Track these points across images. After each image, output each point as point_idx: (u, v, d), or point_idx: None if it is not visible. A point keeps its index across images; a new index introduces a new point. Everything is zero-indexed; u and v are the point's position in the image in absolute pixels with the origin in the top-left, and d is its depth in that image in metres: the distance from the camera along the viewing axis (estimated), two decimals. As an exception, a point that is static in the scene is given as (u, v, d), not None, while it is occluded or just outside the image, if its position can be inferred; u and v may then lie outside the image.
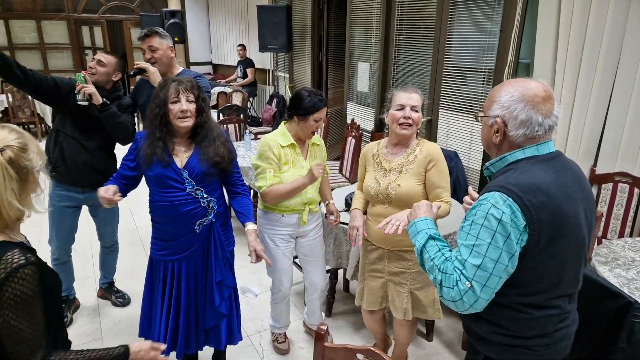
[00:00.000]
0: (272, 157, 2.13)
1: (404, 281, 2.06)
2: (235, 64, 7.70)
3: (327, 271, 2.93)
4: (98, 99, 2.33)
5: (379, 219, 2.00)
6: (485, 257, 1.13)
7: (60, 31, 7.92)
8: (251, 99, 7.41)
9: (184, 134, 1.90)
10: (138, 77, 2.58)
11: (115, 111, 2.41)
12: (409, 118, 1.92)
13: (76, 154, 2.48)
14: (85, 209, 2.73)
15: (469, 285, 1.14)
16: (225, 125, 4.60)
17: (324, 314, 2.86)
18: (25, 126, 7.46)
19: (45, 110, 6.88)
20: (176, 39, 7.31)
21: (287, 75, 6.40)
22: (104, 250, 2.93)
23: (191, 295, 2.06)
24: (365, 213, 2.17)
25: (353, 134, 4.03)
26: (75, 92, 2.32)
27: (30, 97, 6.68)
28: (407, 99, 1.93)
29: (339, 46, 5.48)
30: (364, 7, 4.40)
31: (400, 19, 3.95)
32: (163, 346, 1.31)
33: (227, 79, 7.63)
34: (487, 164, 1.33)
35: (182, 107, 1.81)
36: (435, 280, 1.22)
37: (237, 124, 4.70)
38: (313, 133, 2.20)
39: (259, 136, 5.39)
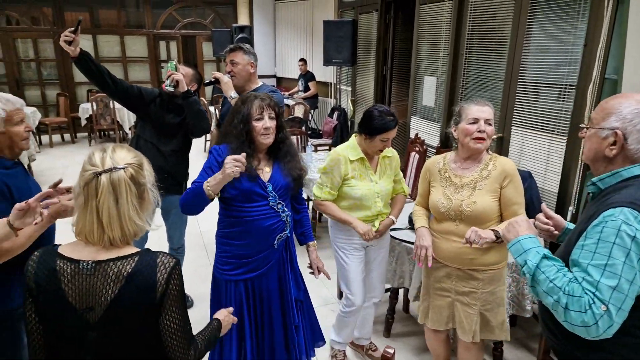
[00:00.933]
0: (336, 175, 2.18)
1: (474, 302, 1.95)
2: (297, 77, 7.86)
3: (387, 290, 2.86)
4: (183, 86, 2.50)
5: (448, 237, 1.96)
6: (621, 277, 1.07)
7: (140, 46, 8.52)
8: (312, 111, 7.50)
9: (264, 150, 1.92)
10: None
11: (196, 99, 2.56)
12: (484, 132, 1.85)
13: (153, 158, 2.58)
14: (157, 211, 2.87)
15: (605, 309, 1.07)
16: (288, 137, 4.66)
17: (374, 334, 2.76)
18: (106, 132, 8.06)
19: (124, 118, 7.38)
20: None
21: (349, 89, 6.42)
22: (171, 253, 3.04)
23: (266, 315, 2.00)
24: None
25: (417, 148, 3.94)
26: (165, 78, 2.51)
27: (111, 106, 7.20)
28: (481, 112, 1.86)
29: (404, 60, 5.43)
30: (433, 20, 4.32)
31: (471, 32, 3.84)
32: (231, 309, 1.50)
33: (290, 92, 7.80)
34: (593, 179, 1.26)
35: (266, 124, 1.84)
36: (558, 303, 1.14)
37: (299, 136, 4.76)
38: (381, 150, 2.18)
39: (319, 148, 5.42)
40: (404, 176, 4.05)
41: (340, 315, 2.42)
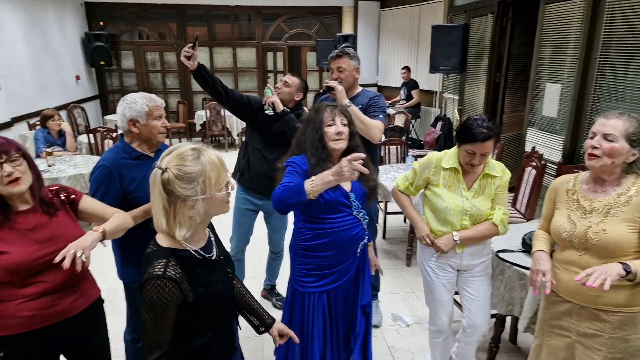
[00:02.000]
0: (420, 175, 2.13)
1: (599, 347, 1.65)
2: (399, 85, 7.68)
3: (493, 316, 2.59)
4: (279, 107, 2.57)
5: (569, 268, 1.69)
6: None
7: (249, 56, 9.03)
8: (413, 120, 7.27)
9: (337, 157, 1.85)
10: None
11: (292, 117, 2.61)
12: (596, 148, 1.59)
13: (259, 164, 2.73)
14: (260, 215, 2.95)
15: None
16: (386, 147, 4.55)
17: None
18: (217, 138, 8.68)
19: (233, 125, 7.87)
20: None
21: (456, 98, 6.08)
22: (271, 255, 3.17)
23: (340, 321, 2.02)
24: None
25: (534, 164, 3.54)
26: (263, 102, 2.61)
27: (222, 114, 7.72)
28: (601, 126, 1.61)
29: (521, 66, 4.99)
30: (560, 21, 3.88)
31: (607, 33, 3.36)
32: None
33: (391, 100, 7.64)
34: None
35: (338, 129, 1.84)
36: None
37: (399, 146, 4.61)
38: (470, 165, 1.98)
39: (419, 159, 5.19)
40: (516, 193, 3.70)
41: (429, 337, 2.39)
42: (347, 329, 2.03)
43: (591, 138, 1.64)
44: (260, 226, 3.01)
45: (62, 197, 1.66)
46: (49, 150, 4.32)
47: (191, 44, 2.39)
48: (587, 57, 3.53)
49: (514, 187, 3.92)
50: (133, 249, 1.90)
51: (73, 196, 1.69)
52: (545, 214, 1.88)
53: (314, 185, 1.66)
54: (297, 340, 1.60)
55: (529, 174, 3.58)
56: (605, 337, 1.64)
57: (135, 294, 1.99)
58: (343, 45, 3.06)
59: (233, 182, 1.31)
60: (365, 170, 1.64)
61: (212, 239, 1.41)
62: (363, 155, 1.62)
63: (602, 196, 1.65)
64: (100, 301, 1.79)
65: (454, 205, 2.02)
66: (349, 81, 2.66)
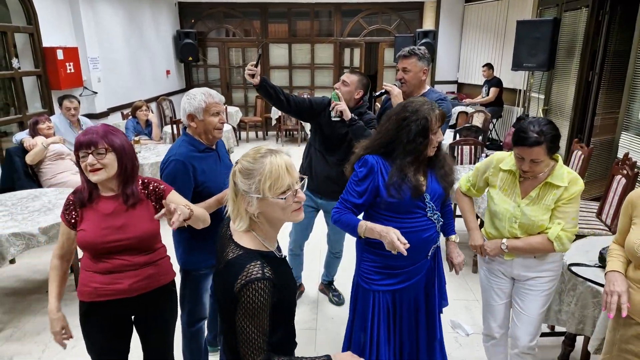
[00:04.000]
0: (481, 174, 2.06)
1: None
2: (481, 83, 7.31)
3: (561, 333, 2.43)
4: (347, 115, 2.52)
5: None
6: None
7: (327, 53, 9.12)
8: (494, 120, 6.89)
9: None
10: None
11: (361, 125, 2.56)
12: None
13: (320, 165, 2.77)
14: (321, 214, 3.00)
15: None
16: (459, 147, 4.35)
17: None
18: (290, 132, 8.90)
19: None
20: (426, 58, 7.42)
21: (541, 97, 5.66)
22: (330, 255, 3.19)
23: (412, 326, 1.97)
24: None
25: (625, 172, 3.19)
26: (330, 109, 2.57)
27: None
28: None
29: (618, 65, 4.53)
30: (665, 14, 3.46)
31: None
32: None
33: (474, 99, 7.30)
34: None
35: (440, 137, 1.80)
36: None
37: (473, 146, 4.38)
38: (524, 171, 1.85)
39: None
40: (603, 202, 3.35)
41: (483, 343, 2.32)
42: (411, 336, 1.98)
43: None
44: (322, 225, 3.05)
45: (150, 191, 1.77)
46: (136, 138, 4.76)
47: (254, 63, 2.44)
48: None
49: (600, 197, 3.57)
50: (201, 236, 2.02)
51: (162, 188, 1.80)
52: (620, 227, 1.72)
53: (365, 230, 1.77)
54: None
55: (619, 182, 3.24)
56: None
57: (195, 280, 2.16)
58: (423, 41, 2.93)
59: (301, 194, 1.26)
60: (403, 251, 1.60)
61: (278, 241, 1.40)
62: (407, 245, 1.62)
63: None
64: (168, 287, 1.87)
65: (503, 210, 1.93)
66: (414, 83, 2.57)
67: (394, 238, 1.61)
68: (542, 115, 5.51)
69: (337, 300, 3.18)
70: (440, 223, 1.90)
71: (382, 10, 8.81)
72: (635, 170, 3.16)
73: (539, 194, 1.87)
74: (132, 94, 6.69)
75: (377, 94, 2.59)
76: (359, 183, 1.80)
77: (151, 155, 4.63)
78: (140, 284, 1.74)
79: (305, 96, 2.92)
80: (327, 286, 3.28)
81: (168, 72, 8.24)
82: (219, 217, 2.03)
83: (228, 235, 1.31)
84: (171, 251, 2.15)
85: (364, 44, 8.72)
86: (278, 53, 9.16)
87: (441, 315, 2.06)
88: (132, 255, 1.71)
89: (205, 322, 2.31)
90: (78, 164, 1.67)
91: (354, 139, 2.60)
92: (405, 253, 1.59)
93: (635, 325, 1.59)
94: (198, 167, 1.99)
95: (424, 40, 7.63)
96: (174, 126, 5.88)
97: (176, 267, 2.20)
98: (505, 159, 1.98)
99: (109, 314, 1.75)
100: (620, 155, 3.63)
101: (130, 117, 5.35)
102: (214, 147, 2.11)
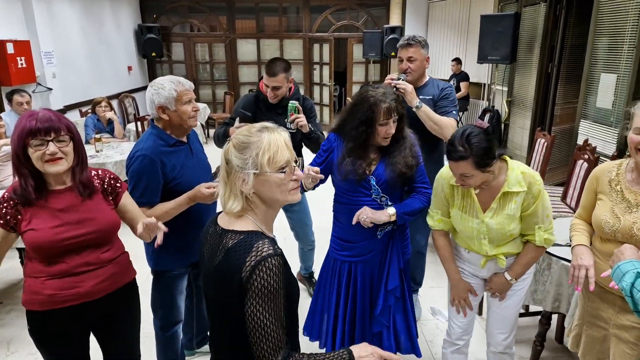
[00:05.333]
0: (440, 194, 1.88)
1: (635, 341, 1.56)
2: (447, 77, 7.50)
3: (538, 312, 2.53)
4: (306, 128, 2.48)
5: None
6: None
7: (296, 48, 9.10)
8: (461, 113, 7.08)
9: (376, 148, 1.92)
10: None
11: (318, 136, 2.54)
12: None
13: None
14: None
15: None
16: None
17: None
18: (260, 128, 8.81)
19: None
20: (393, 53, 7.55)
21: (505, 89, 5.87)
22: (302, 250, 3.10)
23: (365, 300, 2.06)
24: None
25: (586, 156, 3.37)
26: (289, 120, 2.46)
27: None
28: None
29: (574, 57, 4.77)
30: (616, 10, 3.66)
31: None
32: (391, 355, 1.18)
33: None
34: None
35: (390, 130, 1.83)
36: None
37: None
38: (461, 184, 1.74)
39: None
40: (567, 187, 3.53)
41: (443, 342, 2.15)
42: (367, 312, 2.06)
43: (638, 134, 1.51)
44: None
45: (106, 186, 1.65)
46: (97, 136, 4.50)
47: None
48: (648, 44, 3.31)
49: (563, 182, 3.75)
50: (172, 237, 1.85)
51: (119, 186, 1.68)
52: (584, 203, 1.77)
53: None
54: None
55: (581, 167, 3.41)
56: None
57: (168, 282, 2.03)
58: (390, 37, 2.87)
59: (299, 172, 1.19)
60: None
61: None
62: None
63: None
64: (131, 285, 1.74)
65: (469, 228, 1.80)
66: (419, 72, 2.49)
67: (360, 211, 1.88)
68: (505, 107, 5.72)
69: None
70: (390, 205, 1.93)
71: (350, 6, 8.88)
72: (596, 154, 3.34)
73: (499, 204, 1.75)
74: (91, 90, 6.44)
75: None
76: (320, 155, 2.03)
77: (114, 153, 4.46)
78: (104, 284, 1.59)
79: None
80: (308, 279, 3.20)
81: (130, 68, 7.99)
82: (192, 214, 1.95)
83: (218, 231, 1.19)
84: (141, 252, 2.03)
85: (333, 39, 8.75)
86: (246, 49, 9.05)
87: (393, 297, 2.05)
88: (92, 253, 1.56)
89: (181, 325, 2.20)
90: (21, 154, 1.45)
91: (309, 147, 2.59)
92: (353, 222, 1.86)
93: (604, 293, 1.66)
94: (168, 162, 1.86)
95: (391, 36, 7.73)
96: (139, 123, 5.71)
97: (147, 268, 2.09)
98: (449, 172, 1.81)
99: (69, 322, 1.57)
100: (580, 142, 3.82)
101: (90, 113, 5.10)
102: (185, 140, 1.98)
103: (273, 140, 1.13)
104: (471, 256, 1.92)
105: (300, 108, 2.50)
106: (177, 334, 2.18)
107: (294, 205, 2.78)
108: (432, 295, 3.18)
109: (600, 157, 3.47)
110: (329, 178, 2.06)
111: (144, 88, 8.54)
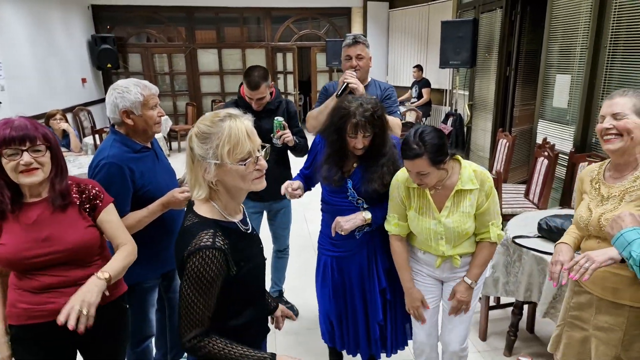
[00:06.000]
0: (396, 198, 1.89)
1: (614, 343, 1.56)
2: (409, 85, 7.64)
3: (511, 304, 2.58)
4: (292, 142, 2.54)
5: None
6: None
7: (259, 58, 9.05)
8: (424, 119, 7.22)
9: (354, 156, 1.98)
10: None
11: (303, 145, 2.61)
12: (609, 129, 1.51)
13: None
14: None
15: None
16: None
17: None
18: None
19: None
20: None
21: (466, 93, 6.03)
22: (276, 255, 3.02)
23: (349, 295, 2.11)
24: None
25: (546, 154, 3.47)
26: (276, 136, 2.48)
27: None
28: (608, 107, 1.54)
29: (531, 60, 4.97)
30: (569, 13, 3.83)
31: (617, 20, 3.30)
32: None
33: (401, 98, 7.61)
34: None
35: (358, 145, 1.85)
36: None
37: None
38: (419, 184, 1.76)
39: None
40: (529, 184, 3.62)
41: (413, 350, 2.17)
42: (365, 313, 2.11)
43: (601, 122, 1.56)
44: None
45: (84, 200, 1.55)
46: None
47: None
48: (597, 46, 3.46)
49: (525, 180, 3.85)
50: (141, 247, 1.80)
51: (98, 202, 1.57)
52: (575, 206, 1.79)
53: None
54: (294, 318, 1.73)
55: (542, 164, 3.52)
56: (621, 333, 1.55)
57: (139, 295, 1.95)
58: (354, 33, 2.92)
59: (263, 162, 1.21)
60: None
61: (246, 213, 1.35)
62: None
63: (620, 182, 1.58)
64: (116, 304, 1.65)
65: (425, 230, 1.83)
66: (365, 70, 2.51)
67: (334, 224, 1.96)
68: (467, 110, 5.86)
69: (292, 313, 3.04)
70: (367, 209, 1.97)
71: (312, 15, 8.94)
72: (555, 151, 3.45)
73: (454, 202, 1.79)
74: (43, 103, 6.09)
75: (340, 92, 2.36)
76: (308, 160, 2.15)
77: (72, 168, 4.22)
78: None
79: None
80: (278, 298, 3.02)
81: (84, 80, 7.66)
82: (164, 222, 1.88)
83: (190, 206, 1.24)
84: None
85: (296, 48, 8.77)
86: (208, 59, 8.92)
87: (386, 300, 2.07)
88: (65, 271, 1.47)
89: (152, 340, 2.11)
90: None
91: (294, 154, 2.68)
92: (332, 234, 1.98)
93: (584, 293, 1.67)
94: (136, 169, 1.78)
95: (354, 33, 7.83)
96: (97, 136, 5.46)
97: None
98: (408, 176, 1.83)
99: (44, 339, 1.50)
100: (539, 140, 3.94)
101: (44, 126, 4.84)
102: (149, 146, 1.91)
103: (234, 130, 1.13)
104: (427, 257, 1.93)
105: (286, 124, 2.53)
106: (148, 349, 2.09)
107: (280, 210, 2.82)
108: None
109: (559, 155, 3.60)
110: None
111: (100, 101, 8.23)
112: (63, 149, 4.68)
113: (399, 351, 2.21)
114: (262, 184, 1.22)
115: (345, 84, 2.31)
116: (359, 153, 1.90)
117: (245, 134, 1.14)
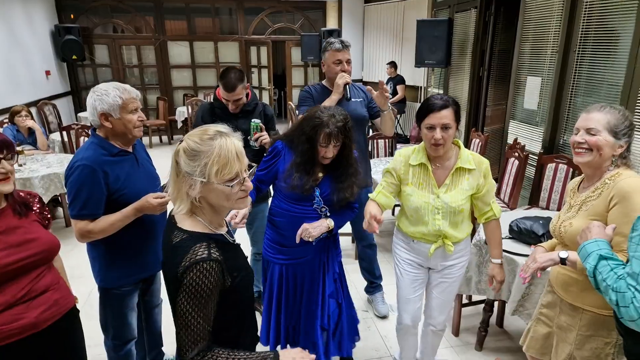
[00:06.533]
0: (392, 176, 2.02)
1: (569, 341, 1.68)
2: (384, 80, 7.68)
3: (482, 301, 2.71)
4: (269, 145, 2.51)
5: None
6: None
7: (232, 51, 8.89)
8: (399, 116, 7.28)
9: (322, 165, 2.01)
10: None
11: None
12: (581, 143, 1.59)
13: None
14: None
15: None
16: (375, 141, 4.53)
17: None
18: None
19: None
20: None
21: (441, 92, 6.12)
22: (254, 257, 3.02)
23: (299, 302, 2.13)
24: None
25: (516, 154, 3.57)
26: (253, 139, 2.52)
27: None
28: (583, 121, 1.61)
29: (503, 61, 5.07)
30: (540, 16, 3.93)
31: (586, 25, 3.41)
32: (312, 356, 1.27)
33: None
34: None
35: (328, 154, 1.91)
36: (611, 301, 1.19)
37: (386, 140, 4.59)
38: (435, 145, 1.84)
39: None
40: (500, 183, 3.72)
41: (396, 330, 2.34)
42: (301, 309, 2.15)
43: (576, 134, 1.63)
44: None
45: (35, 208, 1.57)
46: (19, 149, 4.11)
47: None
48: (566, 50, 3.57)
49: (496, 179, 3.95)
50: (119, 252, 1.83)
51: (46, 213, 1.61)
52: None
53: None
54: None
55: (512, 164, 3.61)
56: (575, 333, 1.66)
57: (117, 299, 1.95)
58: (334, 39, 2.94)
59: (249, 184, 1.20)
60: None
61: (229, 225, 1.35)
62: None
63: (584, 191, 1.66)
64: (74, 311, 1.67)
65: (424, 204, 1.93)
66: (350, 74, 2.65)
67: (301, 230, 1.94)
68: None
69: None
70: (330, 220, 2.01)
71: (286, 8, 8.83)
72: (525, 152, 3.55)
73: (452, 180, 1.92)
74: (5, 99, 5.81)
75: (349, 95, 2.59)
76: (265, 162, 2.08)
77: (40, 167, 4.07)
78: (48, 312, 1.50)
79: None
80: (257, 299, 3.03)
81: (48, 72, 7.30)
82: (144, 227, 1.89)
83: (172, 222, 1.21)
84: (80, 271, 1.92)
85: (271, 42, 8.66)
86: (179, 51, 8.69)
87: (333, 302, 2.15)
88: (33, 280, 1.46)
89: (134, 343, 2.11)
90: None
91: None
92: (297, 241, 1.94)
93: (551, 292, 1.80)
94: (111, 173, 1.78)
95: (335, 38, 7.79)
96: (64, 133, 5.26)
97: (84, 288, 1.97)
98: (411, 155, 1.98)
99: (16, 359, 1.45)
100: (510, 141, 4.05)
101: (8, 123, 4.62)
102: (130, 149, 1.90)
103: (224, 151, 1.13)
104: (419, 246, 2.02)
105: (263, 126, 2.55)
106: (131, 352, 2.10)
107: (258, 214, 2.80)
108: (388, 292, 3.23)
109: (529, 155, 3.70)
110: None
111: (66, 94, 7.92)
112: (30, 147, 4.54)
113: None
114: (245, 204, 1.22)
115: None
116: (327, 162, 1.96)
117: (234, 155, 1.14)
